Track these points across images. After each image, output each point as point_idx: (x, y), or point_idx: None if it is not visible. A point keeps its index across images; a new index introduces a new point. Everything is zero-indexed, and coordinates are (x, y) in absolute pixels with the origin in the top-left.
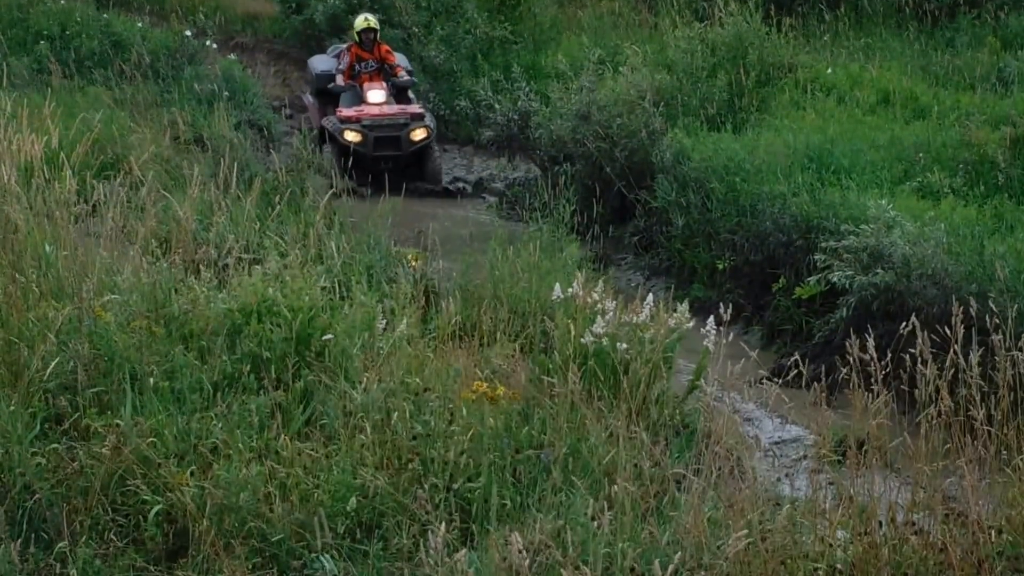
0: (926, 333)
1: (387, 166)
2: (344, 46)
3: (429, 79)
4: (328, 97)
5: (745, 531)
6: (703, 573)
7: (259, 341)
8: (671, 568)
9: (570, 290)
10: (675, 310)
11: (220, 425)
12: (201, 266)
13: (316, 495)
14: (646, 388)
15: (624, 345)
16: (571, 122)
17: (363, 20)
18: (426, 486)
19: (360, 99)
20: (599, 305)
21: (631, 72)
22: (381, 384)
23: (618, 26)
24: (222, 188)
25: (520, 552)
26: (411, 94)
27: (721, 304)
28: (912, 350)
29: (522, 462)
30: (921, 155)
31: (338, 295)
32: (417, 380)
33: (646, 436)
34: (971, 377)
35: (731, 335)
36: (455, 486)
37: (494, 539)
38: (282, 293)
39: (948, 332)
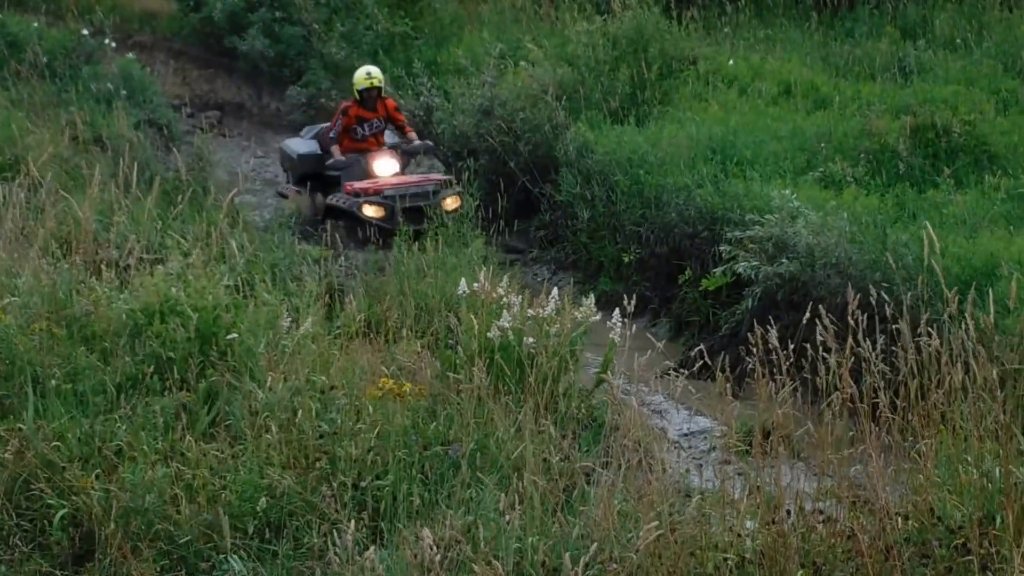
0: (830, 322)
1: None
2: (319, 127)
3: (330, 76)
4: (318, 181)
5: (655, 523)
6: (614, 566)
7: (162, 341)
8: (583, 561)
9: (475, 285)
10: (581, 303)
11: (124, 427)
12: (102, 267)
13: (223, 496)
14: (553, 382)
15: (530, 339)
16: (474, 117)
17: (365, 76)
18: (334, 484)
19: (364, 172)
20: (505, 300)
21: (533, 66)
22: (287, 383)
23: (519, 20)
24: (122, 188)
25: (431, 548)
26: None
27: (626, 296)
28: (817, 338)
29: (430, 458)
30: (823, 145)
31: (242, 294)
32: (323, 378)
33: (554, 430)
34: (874, 365)
35: (635, 327)
36: (363, 484)
37: (404, 536)
38: (185, 292)
39: (850, 320)
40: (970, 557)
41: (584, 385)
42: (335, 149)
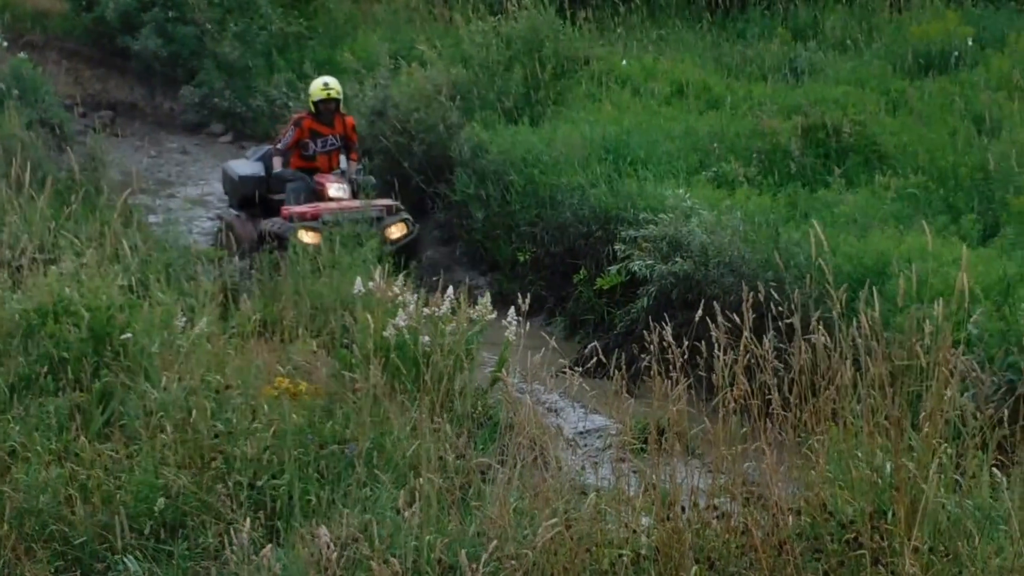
0: (723, 320)
1: None
2: (266, 148)
3: (224, 76)
4: (260, 207)
5: (552, 520)
6: (511, 563)
7: (56, 342)
8: (483, 559)
9: (371, 284)
10: (476, 302)
11: (18, 428)
12: None
13: (118, 496)
14: (449, 380)
15: (426, 338)
16: (367, 117)
17: (321, 87)
18: (230, 484)
19: (312, 193)
20: (400, 299)
21: (426, 67)
22: (181, 382)
23: (413, 21)
24: (14, 188)
25: (328, 546)
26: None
27: (520, 295)
28: (712, 335)
29: (326, 457)
30: (716, 145)
31: (136, 294)
32: (218, 378)
33: (450, 428)
34: (767, 362)
35: (530, 326)
36: (259, 483)
37: (301, 535)
38: (78, 293)
39: (742, 318)
40: (862, 551)
41: (480, 384)
42: (277, 161)
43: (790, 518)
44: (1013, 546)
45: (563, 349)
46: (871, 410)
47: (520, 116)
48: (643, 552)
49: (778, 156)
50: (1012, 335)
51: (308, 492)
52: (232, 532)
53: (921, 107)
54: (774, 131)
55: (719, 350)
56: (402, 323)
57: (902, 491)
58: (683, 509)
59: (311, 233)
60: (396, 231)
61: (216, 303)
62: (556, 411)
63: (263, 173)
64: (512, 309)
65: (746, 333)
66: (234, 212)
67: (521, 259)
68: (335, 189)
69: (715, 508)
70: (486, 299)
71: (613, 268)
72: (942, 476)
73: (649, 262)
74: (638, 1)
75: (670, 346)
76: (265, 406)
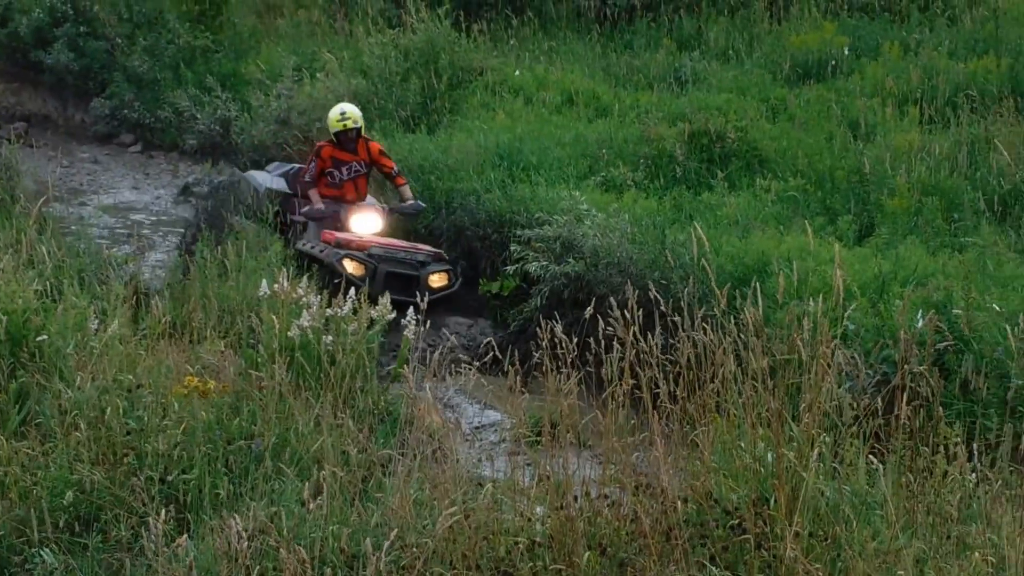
0: (612, 318)
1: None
2: (288, 166)
3: (133, 88)
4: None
5: (451, 510)
6: (412, 551)
7: None
8: (384, 547)
9: (276, 286)
10: (376, 303)
11: None
12: None
13: (35, 492)
14: (351, 378)
15: (329, 337)
16: (272, 127)
17: (338, 118)
18: (142, 479)
19: (340, 224)
20: (304, 300)
21: (328, 78)
22: (95, 382)
23: (315, 34)
24: None
25: (238, 536)
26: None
27: (419, 295)
28: (606, 332)
29: (234, 452)
30: (604, 151)
31: (51, 297)
32: (130, 377)
33: (352, 423)
34: (654, 357)
35: (429, 325)
36: (170, 478)
37: (211, 526)
38: None
39: (629, 316)
40: (746, 536)
41: (380, 380)
42: (313, 194)
43: (677, 505)
44: (888, 530)
45: (460, 347)
46: (753, 402)
47: (417, 125)
48: (538, 539)
49: (664, 161)
50: (887, 330)
51: (217, 486)
52: (146, 525)
53: (799, 113)
54: (660, 137)
55: (607, 346)
56: (306, 323)
57: (783, 479)
58: (575, 498)
59: (356, 264)
60: (438, 280)
61: (127, 306)
62: (453, 406)
63: (287, 190)
64: (411, 308)
65: (633, 329)
66: (253, 225)
67: None
68: (362, 221)
69: (606, 497)
70: (386, 299)
71: (509, 268)
72: (821, 464)
73: (543, 263)
74: (530, 14)
75: (561, 342)
76: (175, 404)
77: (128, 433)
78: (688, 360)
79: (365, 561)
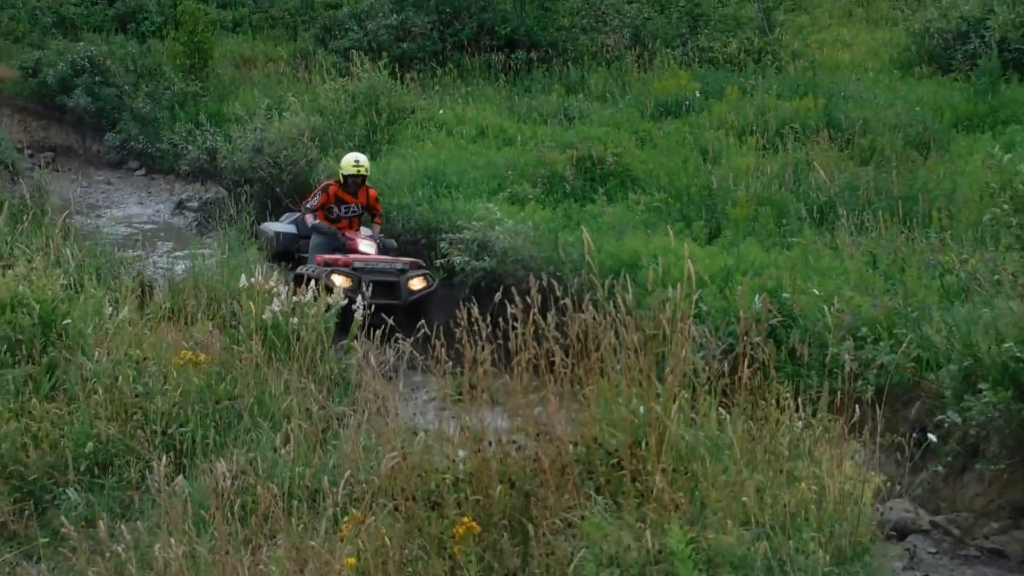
0: (516, 302)
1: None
2: (295, 214)
3: (138, 125)
4: (292, 260)
5: (392, 454)
6: (362, 486)
7: (13, 327)
8: (340, 484)
9: (252, 279)
10: (332, 292)
11: None
12: None
13: (62, 443)
14: (312, 351)
15: (295, 319)
16: (248, 154)
17: (353, 164)
18: (147, 432)
19: (341, 246)
20: (275, 290)
21: (292, 116)
22: (109, 356)
23: (282, 82)
24: None
25: (224, 476)
26: None
27: (365, 287)
28: (509, 313)
29: (220, 410)
30: (510, 172)
31: (74, 290)
32: (137, 352)
33: (313, 387)
34: (550, 332)
35: (374, 308)
36: (170, 431)
37: (202, 469)
38: (30, 289)
39: (531, 301)
40: (623, 471)
41: (336, 352)
42: (309, 217)
43: (570, 448)
44: (735, 466)
45: (401, 328)
46: (628, 367)
47: (363, 152)
48: (460, 476)
49: (556, 180)
50: (731, 310)
51: (207, 436)
52: (150, 468)
53: (661, 142)
54: (553, 161)
55: (514, 324)
56: (276, 308)
57: (652, 427)
58: (490, 444)
59: (343, 278)
60: (417, 283)
61: (135, 296)
62: (393, 373)
63: (295, 232)
64: (359, 297)
65: (533, 311)
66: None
67: None
68: (364, 244)
69: (514, 442)
70: (339, 290)
71: (438, 262)
72: (681, 415)
73: (465, 259)
74: (451, 65)
75: (477, 321)
76: (174, 373)
77: (136, 396)
78: (576, 335)
79: (324, 495)
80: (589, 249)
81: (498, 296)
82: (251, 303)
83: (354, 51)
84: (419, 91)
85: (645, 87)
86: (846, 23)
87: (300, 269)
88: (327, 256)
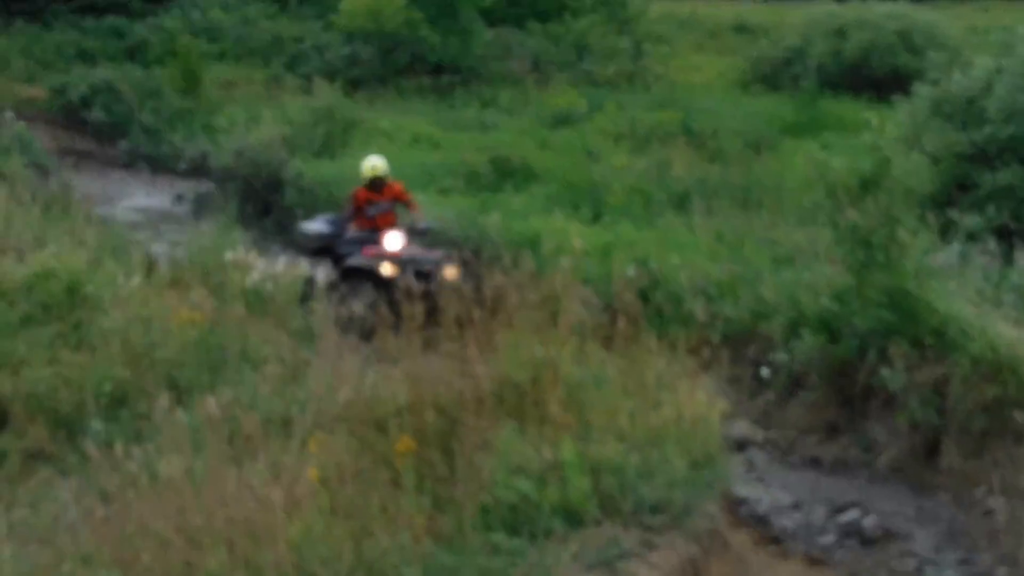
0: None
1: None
2: (329, 216)
3: (145, 134)
4: (329, 254)
5: (347, 389)
6: (325, 415)
7: (46, 294)
8: (308, 413)
9: (236, 254)
10: (298, 265)
11: (23, 346)
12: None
13: (86, 384)
14: (285, 311)
15: (270, 286)
16: (232, 157)
17: (370, 168)
18: (154, 374)
19: (376, 244)
20: (254, 263)
21: (267, 126)
22: (124, 315)
23: (259, 99)
24: (16, 203)
25: (215, 408)
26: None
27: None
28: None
29: (213, 357)
30: (439, 170)
31: (95, 264)
32: (146, 311)
33: (286, 337)
34: (469, 294)
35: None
36: (172, 373)
37: (199, 402)
38: (59, 263)
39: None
40: (527, 401)
41: (303, 311)
42: (350, 227)
43: (486, 383)
44: (613, 395)
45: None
46: (530, 320)
47: (322, 155)
48: (401, 405)
49: (476, 176)
50: (610, 276)
51: (202, 378)
52: (157, 403)
53: (556, 146)
54: (472, 161)
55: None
56: (256, 277)
57: (549, 366)
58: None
59: (392, 266)
60: (451, 272)
61: (143, 269)
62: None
63: (329, 231)
64: (319, 269)
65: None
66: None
67: None
68: (390, 240)
69: (443, 379)
70: (303, 263)
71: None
72: (572, 357)
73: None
74: (391, 86)
75: (411, 287)
76: (175, 329)
77: (145, 347)
78: (491, 295)
79: (294, 422)
80: (500, 229)
81: (429, 267)
82: (235, 273)
83: (315, 75)
84: (367, 106)
85: (543, 103)
86: (699, 52)
87: (351, 261)
88: (375, 249)
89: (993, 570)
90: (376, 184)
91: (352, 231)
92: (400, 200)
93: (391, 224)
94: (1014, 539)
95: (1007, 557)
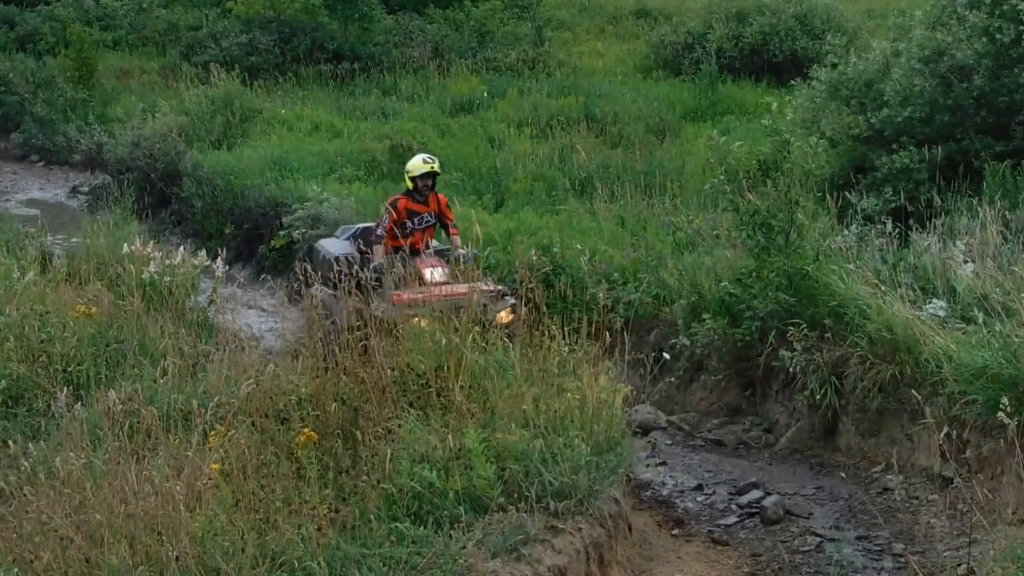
0: (342, 261)
1: None
2: (355, 227)
3: (38, 126)
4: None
5: (249, 381)
6: (225, 407)
7: None
8: (209, 406)
9: (133, 247)
10: (196, 256)
11: None
12: None
13: None
14: (183, 302)
15: (168, 278)
16: (128, 148)
17: (422, 162)
18: (51, 370)
19: (411, 277)
20: (151, 255)
21: (163, 117)
22: (18, 311)
23: (155, 89)
24: None
25: (114, 403)
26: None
27: (224, 251)
28: (337, 270)
29: (110, 351)
30: (339, 159)
31: None
32: (42, 307)
33: (184, 331)
34: (369, 282)
35: (232, 270)
36: (69, 369)
37: (97, 398)
38: None
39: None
40: (430, 389)
41: (202, 303)
42: (378, 249)
43: (388, 372)
44: (516, 382)
45: (248, 283)
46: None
47: (221, 145)
48: (303, 396)
49: (375, 164)
50: (512, 262)
51: (100, 372)
52: (54, 399)
53: (458, 133)
54: (372, 150)
55: (341, 278)
56: (153, 270)
57: (452, 354)
58: (327, 370)
59: (427, 321)
60: (505, 317)
61: (38, 263)
62: (250, 320)
63: (357, 253)
64: (219, 259)
65: (355, 266)
66: (321, 289)
67: (226, 232)
68: (430, 274)
69: (345, 370)
70: (203, 254)
71: (282, 232)
72: (475, 344)
73: (302, 231)
74: (290, 74)
75: (309, 277)
76: (71, 323)
77: (41, 342)
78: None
79: (195, 415)
80: None
81: (331, 256)
82: (132, 266)
83: (212, 64)
84: (265, 95)
85: (444, 90)
86: (600, 38)
87: (375, 310)
88: (405, 295)
89: (890, 546)
90: (424, 189)
91: (379, 255)
92: (443, 217)
93: (427, 246)
94: (910, 516)
95: (904, 533)
